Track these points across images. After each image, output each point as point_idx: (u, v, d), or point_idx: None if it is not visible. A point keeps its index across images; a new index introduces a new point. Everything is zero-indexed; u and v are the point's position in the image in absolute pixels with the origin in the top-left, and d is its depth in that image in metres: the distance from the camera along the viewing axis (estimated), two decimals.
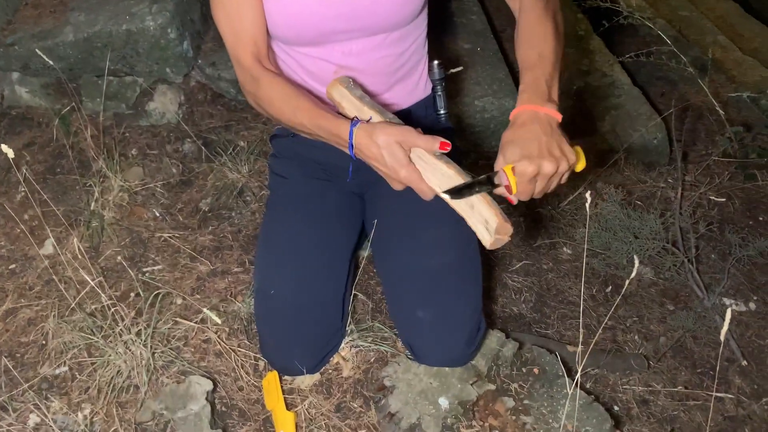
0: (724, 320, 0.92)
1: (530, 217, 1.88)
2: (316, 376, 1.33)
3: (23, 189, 1.74)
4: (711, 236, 1.90)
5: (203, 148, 1.90)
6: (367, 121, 1.08)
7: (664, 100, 2.47)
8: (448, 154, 1.03)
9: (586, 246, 1.44)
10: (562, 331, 1.61)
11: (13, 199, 1.76)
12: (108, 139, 1.90)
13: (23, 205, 1.74)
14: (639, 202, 1.97)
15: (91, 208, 1.68)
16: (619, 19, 2.30)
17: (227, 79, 2.03)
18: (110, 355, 1.31)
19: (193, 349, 1.39)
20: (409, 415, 1.21)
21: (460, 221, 1.03)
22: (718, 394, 1.51)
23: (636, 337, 1.63)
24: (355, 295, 1.43)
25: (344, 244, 1.37)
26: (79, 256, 1.48)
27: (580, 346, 1.48)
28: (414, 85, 1.40)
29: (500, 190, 1.01)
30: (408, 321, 1.28)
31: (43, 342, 1.41)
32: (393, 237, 1.32)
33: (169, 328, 1.41)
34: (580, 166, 1.05)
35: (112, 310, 1.33)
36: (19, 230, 1.65)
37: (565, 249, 1.82)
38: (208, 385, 1.27)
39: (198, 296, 1.51)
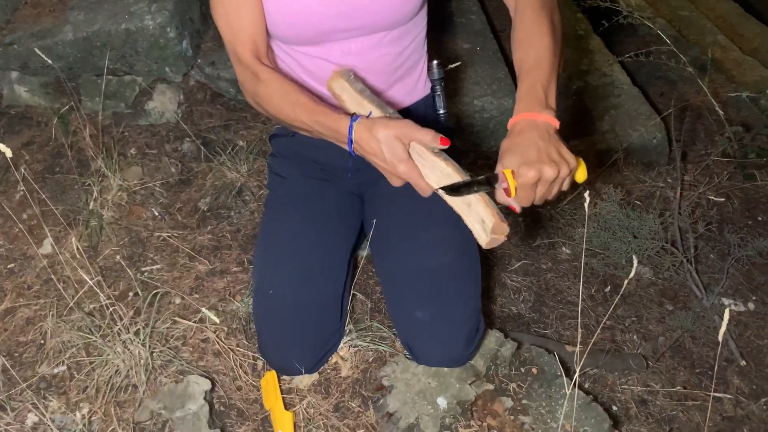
0: (722, 320, 0.92)
1: (529, 216, 1.88)
2: (315, 375, 1.33)
3: (22, 188, 1.74)
4: (710, 236, 1.90)
5: (202, 147, 1.90)
6: (368, 115, 1.08)
7: (663, 99, 2.46)
8: (447, 153, 1.03)
9: (584, 246, 1.44)
10: (561, 331, 1.61)
11: (11, 198, 1.76)
12: (107, 139, 1.90)
13: (22, 204, 1.74)
14: (638, 202, 1.97)
15: (90, 207, 1.68)
16: (619, 18, 2.30)
17: (226, 78, 2.03)
18: (108, 355, 1.31)
19: (191, 349, 1.39)
20: (408, 414, 1.21)
21: (459, 222, 1.03)
22: (717, 395, 1.51)
23: (635, 336, 1.63)
24: (353, 295, 1.43)
25: (343, 243, 1.37)
26: (78, 256, 1.48)
27: (578, 345, 1.48)
28: (413, 84, 1.40)
29: (503, 198, 1.00)
30: (407, 321, 1.28)
31: (42, 341, 1.41)
32: (392, 237, 1.32)
33: (167, 328, 1.41)
34: (582, 176, 1.04)
35: (111, 309, 1.33)
36: (17, 229, 1.65)
37: (564, 249, 1.82)
38: (207, 384, 1.27)
39: (197, 296, 1.51)
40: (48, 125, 1.95)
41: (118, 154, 1.84)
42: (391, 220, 1.34)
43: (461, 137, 2.04)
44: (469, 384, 1.26)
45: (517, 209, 1.02)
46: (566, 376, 1.29)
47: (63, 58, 1.92)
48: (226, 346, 1.39)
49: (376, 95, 1.14)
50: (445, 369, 1.27)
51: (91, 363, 1.33)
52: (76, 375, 1.33)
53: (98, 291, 1.32)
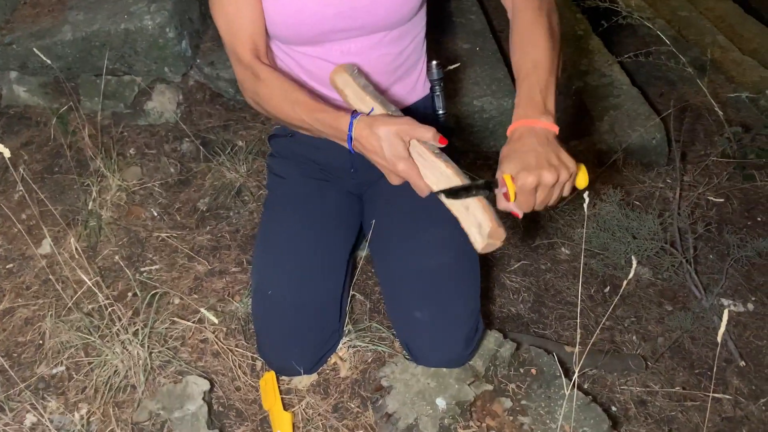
0: (721, 321, 0.92)
1: (528, 217, 1.86)
2: (314, 376, 1.33)
3: (21, 188, 1.74)
4: (709, 237, 1.90)
5: (201, 147, 1.90)
6: (369, 112, 1.08)
7: (662, 100, 2.47)
8: (445, 153, 1.03)
9: (584, 246, 1.44)
10: (560, 332, 1.61)
11: (10, 198, 1.76)
12: (106, 139, 1.90)
13: (21, 204, 1.73)
14: (637, 203, 1.97)
15: (89, 207, 1.68)
16: (618, 19, 2.30)
17: (226, 78, 2.03)
18: (107, 355, 1.31)
19: (190, 349, 1.39)
20: (407, 415, 1.20)
21: (458, 222, 1.03)
22: (716, 395, 1.51)
23: (634, 337, 1.63)
24: (353, 296, 1.43)
25: (342, 244, 1.37)
26: (77, 256, 1.48)
27: (577, 346, 1.48)
28: (413, 84, 1.40)
29: (504, 205, 1.00)
30: (406, 321, 1.28)
31: (40, 342, 1.40)
32: (391, 237, 1.32)
33: (166, 328, 1.40)
34: (583, 182, 1.04)
35: (110, 309, 1.33)
36: (16, 230, 1.65)
37: (563, 249, 1.82)
38: (205, 385, 1.26)
39: (195, 296, 1.51)
40: (47, 125, 1.95)
41: (117, 154, 1.84)
42: (391, 220, 1.33)
43: (461, 137, 2.04)
44: (468, 384, 1.25)
45: (519, 214, 1.01)
46: (565, 376, 1.29)
47: (62, 58, 1.92)
48: (224, 347, 1.38)
49: (379, 92, 1.13)
50: (444, 369, 1.27)
51: (89, 363, 1.33)
52: (74, 375, 1.33)
53: (97, 291, 1.32)
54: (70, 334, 1.37)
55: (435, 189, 1.02)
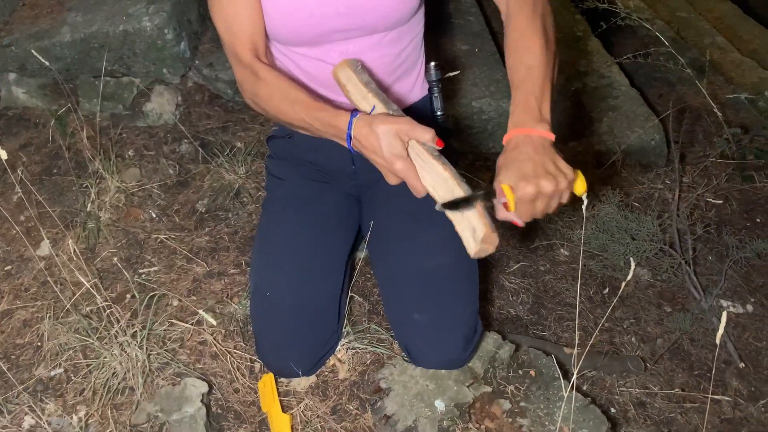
0: (720, 322, 0.92)
1: None
2: (312, 378, 1.33)
3: (19, 190, 1.74)
4: (708, 238, 1.90)
5: (200, 149, 1.90)
6: (371, 109, 1.07)
7: (661, 101, 2.46)
8: (443, 153, 1.03)
9: (583, 247, 1.44)
10: (559, 333, 1.61)
11: (9, 200, 1.76)
12: (105, 140, 1.90)
13: (19, 206, 1.73)
14: (636, 204, 1.97)
15: (88, 209, 1.68)
16: (617, 20, 2.30)
17: (224, 80, 2.03)
18: (105, 357, 1.31)
19: (188, 351, 1.39)
20: (405, 417, 1.20)
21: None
22: (715, 397, 1.51)
23: (633, 339, 1.63)
24: (351, 297, 1.43)
25: (341, 245, 1.37)
26: (75, 258, 1.48)
27: (576, 348, 1.47)
28: (411, 85, 1.40)
29: (504, 215, 1.00)
30: (404, 323, 1.28)
31: (39, 344, 1.40)
32: (390, 239, 1.32)
33: (164, 330, 1.40)
34: (581, 189, 1.03)
35: (108, 311, 1.33)
36: (14, 231, 1.65)
37: (562, 250, 1.82)
38: (204, 387, 1.26)
39: (194, 298, 1.51)
40: (45, 127, 1.95)
41: (116, 156, 1.83)
42: (389, 221, 1.33)
43: (459, 139, 2.04)
44: (467, 386, 1.25)
45: (521, 224, 1.01)
46: (564, 378, 1.28)
47: (61, 59, 1.92)
48: (223, 349, 1.38)
49: (381, 90, 1.12)
50: (443, 371, 1.27)
51: (88, 365, 1.33)
52: (72, 377, 1.33)
53: (95, 293, 1.32)
54: (68, 336, 1.37)
55: (432, 190, 1.01)
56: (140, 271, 1.57)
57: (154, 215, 1.73)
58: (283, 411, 1.25)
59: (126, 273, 1.52)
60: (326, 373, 1.34)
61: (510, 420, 1.22)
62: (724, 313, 0.95)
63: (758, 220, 1.98)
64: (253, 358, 1.37)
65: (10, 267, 1.59)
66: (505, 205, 0.97)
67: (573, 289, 1.70)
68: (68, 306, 1.39)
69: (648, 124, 2.15)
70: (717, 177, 2.08)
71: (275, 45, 1.30)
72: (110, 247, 1.63)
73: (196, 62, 2.05)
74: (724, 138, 2.15)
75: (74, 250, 1.47)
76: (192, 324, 1.42)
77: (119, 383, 1.29)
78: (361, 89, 1.12)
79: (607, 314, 1.65)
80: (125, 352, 1.31)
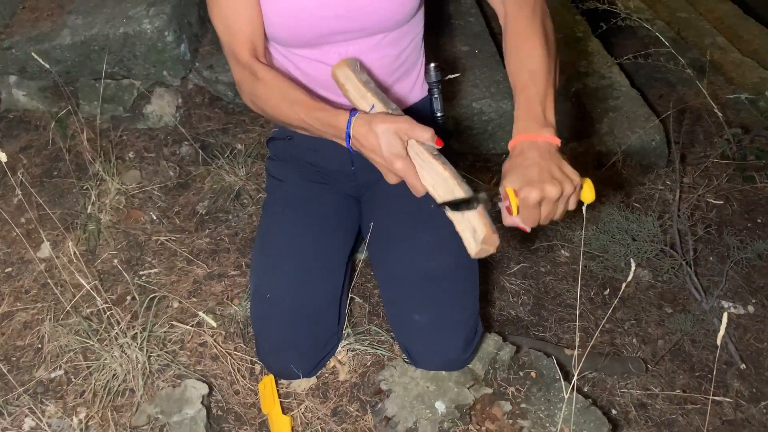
0: (721, 323, 0.92)
1: None
2: (313, 379, 1.33)
3: (19, 192, 1.74)
4: (709, 239, 1.89)
5: (200, 151, 1.90)
6: (370, 109, 1.07)
7: (662, 101, 2.46)
8: (444, 155, 1.03)
9: (583, 248, 1.44)
10: (560, 335, 1.60)
11: (9, 202, 1.76)
12: (105, 142, 1.90)
13: (20, 208, 1.73)
14: (637, 205, 1.97)
15: (88, 211, 1.68)
16: (617, 20, 2.30)
17: (225, 81, 2.03)
18: (106, 359, 1.31)
19: (189, 353, 1.39)
20: (406, 419, 1.20)
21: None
22: (717, 398, 1.51)
23: (634, 340, 1.63)
24: (351, 299, 1.43)
25: (341, 246, 1.37)
26: (75, 260, 1.48)
27: (577, 349, 1.47)
28: (411, 85, 1.40)
29: (510, 221, 0.99)
30: (404, 324, 1.28)
31: (39, 345, 1.40)
32: (390, 240, 1.32)
33: (165, 332, 1.40)
34: (589, 196, 1.02)
35: (108, 313, 1.33)
36: (15, 234, 1.65)
37: (562, 252, 1.82)
38: (204, 389, 1.26)
39: (194, 299, 1.51)
40: (46, 129, 1.95)
41: (116, 158, 1.84)
42: (389, 222, 1.33)
43: (460, 140, 2.04)
44: (468, 388, 1.25)
45: (527, 229, 1.00)
46: (565, 379, 1.28)
47: (61, 62, 1.92)
48: (223, 350, 1.38)
49: (380, 89, 1.12)
50: (444, 373, 1.27)
51: (88, 367, 1.33)
52: (73, 379, 1.33)
53: (95, 295, 1.32)
54: (68, 338, 1.37)
55: (431, 190, 1.01)
56: (140, 272, 1.57)
57: (154, 217, 1.74)
58: (284, 413, 1.25)
59: (126, 275, 1.52)
60: (326, 375, 1.34)
61: (511, 421, 1.22)
62: (725, 314, 0.95)
63: (759, 221, 1.98)
64: (254, 359, 1.37)
65: (10, 269, 1.59)
66: (509, 209, 0.96)
67: (574, 291, 1.70)
68: (68, 308, 1.39)
69: (648, 124, 2.15)
70: (718, 177, 2.08)
71: (274, 46, 1.30)
72: (110, 249, 1.63)
73: (197, 64, 2.05)
74: (725, 138, 2.14)
75: (74, 252, 1.47)
76: (192, 326, 1.42)
77: (119, 385, 1.29)
78: (360, 88, 1.11)
79: (607, 315, 1.64)
80: (125, 353, 1.31)
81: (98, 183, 1.74)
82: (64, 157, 1.84)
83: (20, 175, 1.79)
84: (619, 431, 1.40)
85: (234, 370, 1.35)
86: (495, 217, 0.98)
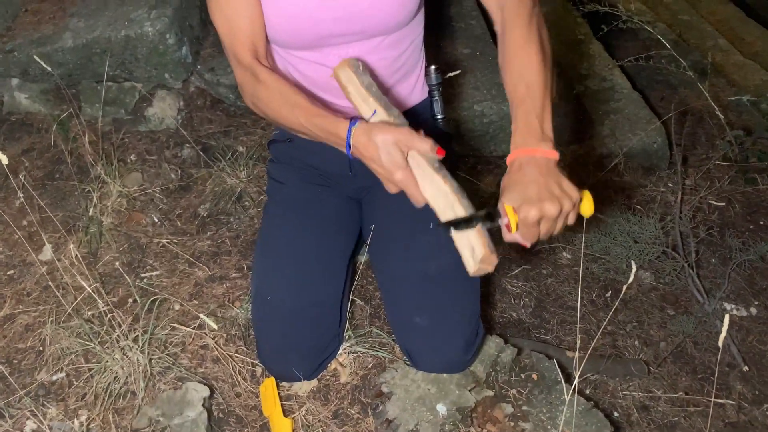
0: (723, 325, 0.91)
1: None
2: (314, 382, 1.33)
3: (21, 195, 1.74)
4: (711, 240, 1.89)
5: (202, 153, 1.90)
6: (371, 114, 1.06)
7: (663, 104, 2.46)
8: (443, 161, 1.02)
9: (585, 250, 1.44)
10: (562, 337, 1.60)
11: (11, 205, 1.76)
12: (107, 145, 1.90)
13: (21, 211, 1.74)
14: (639, 207, 1.97)
15: (90, 213, 1.68)
16: (619, 23, 2.30)
17: (226, 84, 2.03)
18: (107, 362, 1.31)
19: (190, 355, 1.39)
20: (407, 421, 1.20)
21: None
22: (719, 400, 1.50)
23: (636, 342, 1.62)
24: (353, 301, 1.42)
25: (342, 249, 1.37)
26: (77, 262, 1.48)
27: (578, 351, 1.47)
28: (411, 87, 1.40)
29: (509, 237, 0.98)
30: (405, 326, 1.28)
31: (41, 348, 1.40)
32: (391, 242, 1.32)
33: (166, 334, 1.40)
34: (588, 210, 1.02)
35: (110, 316, 1.33)
36: (17, 236, 1.65)
37: (564, 254, 1.82)
38: (205, 391, 1.26)
39: (196, 302, 1.51)
40: (48, 132, 1.96)
41: (118, 161, 1.84)
42: (390, 224, 1.33)
43: (461, 142, 2.04)
44: (469, 390, 1.25)
45: (527, 245, 0.99)
46: (566, 382, 1.28)
47: (63, 65, 1.92)
48: (225, 353, 1.38)
49: (382, 92, 1.11)
50: (445, 375, 1.27)
51: (89, 370, 1.33)
52: (74, 382, 1.33)
53: (97, 298, 1.32)
54: (70, 340, 1.37)
55: (432, 201, 1.00)
56: (142, 275, 1.58)
57: (156, 219, 1.74)
58: (285, 415, 1.25)
59: (128, 277, 1.52)
60: (328, 377, 1.34)
61: (512, 424, 1.21)
62: (727, 316, 0.95)
63: (761, 223, 1.98)
64: (255, 362, 1.37)
65: (12, 272, 1.59)
66: (508, 227, 0.96)
67: (575, 293, 1.70)
68: (70, 310, 1.40)
69: (650, 126, 2.15)
70: (720, 179, 2.08)
71: (275, 48, 1.30)
72: (112, 252, 1.63)
73: (198, 67, 2.06)
74: (727, 140, 2.14)
75: (76, 255, 1.47)
76: (193, 328, 1.42)
77: (121, 387, 1.29)
78: (362, 92, 1.10)
79: (609, 317, 1.64)
80: (127, 356, 1.31)
81: (100, 185, 1.74)
82: (65, 160, 1.84)
83: (22, 178, 1.79)
84: None
85: (235, 372, 1.35)
86: (494, 233, 0.98)
